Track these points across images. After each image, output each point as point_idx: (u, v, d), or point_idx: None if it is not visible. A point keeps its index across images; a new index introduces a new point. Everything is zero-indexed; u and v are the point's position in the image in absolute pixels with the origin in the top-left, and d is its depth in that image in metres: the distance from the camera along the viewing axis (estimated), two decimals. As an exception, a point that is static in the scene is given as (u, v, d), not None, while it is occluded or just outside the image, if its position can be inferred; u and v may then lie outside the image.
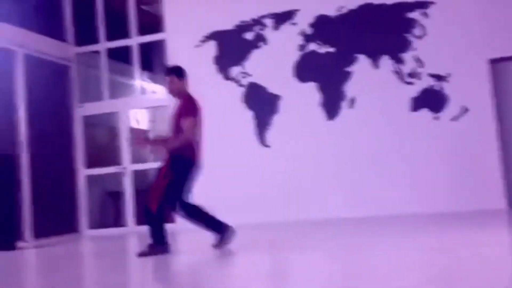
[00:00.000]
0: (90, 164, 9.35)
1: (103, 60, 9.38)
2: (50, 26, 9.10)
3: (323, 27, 8.18)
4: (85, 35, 9.48)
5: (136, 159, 9.33)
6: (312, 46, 8.21)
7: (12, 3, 8.31)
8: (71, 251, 6.82)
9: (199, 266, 4.43)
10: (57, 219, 8.72)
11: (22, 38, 8.32)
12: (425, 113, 7.62)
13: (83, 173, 9.30)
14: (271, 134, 8.25)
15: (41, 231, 8.18)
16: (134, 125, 10.05)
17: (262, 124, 8.31)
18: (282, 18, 8.36)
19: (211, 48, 8.67)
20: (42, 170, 8.35)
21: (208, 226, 5.00)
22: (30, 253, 6.64)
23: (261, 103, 8.32)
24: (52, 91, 8.98)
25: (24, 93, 8.27)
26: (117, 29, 9.43)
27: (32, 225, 8.08)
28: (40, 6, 8.92)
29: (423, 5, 7.72)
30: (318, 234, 6.09)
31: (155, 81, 10.63)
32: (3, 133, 7.46)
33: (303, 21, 8.22)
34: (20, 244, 7.31)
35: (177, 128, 5.03)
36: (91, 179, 9.36)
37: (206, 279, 3.76)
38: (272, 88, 8.31)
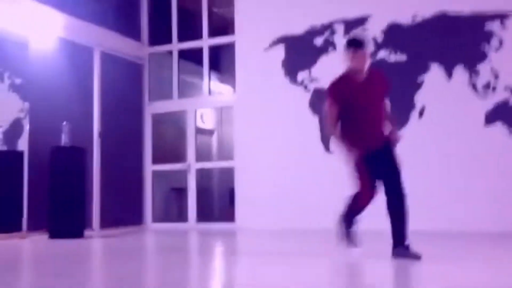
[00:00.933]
0: (157, 160, 9.64)
1: (175, 60, 9.65)
2: (126, 26, 9.47)
3: (395, 34, 8.05)
4: (159, 36, 9.80)
5: (200, 158, 9.54)
6: (382, 54, 8.11)
7: (92, 2, 8.71)
8: (136, 242, 7.06)
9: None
10: (123, 211, 9.06)
11: (100, 36, 8.71)
12: (499, 127, 7.34)
13: (149, 168, 9.60)
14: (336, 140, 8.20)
15: (107, 221, 8.54)
16: (200, 124, 10.28)
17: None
18: (353, 24, 8.29)
19: (280, 52, 8.73)
20: (111, 164, 8.70)
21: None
22: (98, 242, 6.92)
23: (327, 108, 8.28)
24: (124, 88, 9.33)
25: (99, 89, 8.66)
26: (189, 30, 9.68)
27: (99, 215, 8.45)
28: (118, 5, 9.30)
29: (502, 17, 7.45)
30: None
31: (222, 82, 10.82)
32: (78, 126, 7.81)
33: (375, 28, 8.13)
34: (87, 232, 7.64)
35: (379, 109, 4.54)
36: (157, 174, 9.66)
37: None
38: (339, 94, 8.25)
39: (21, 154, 7.55)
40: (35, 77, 7.70)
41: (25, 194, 7.40)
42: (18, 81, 8.42)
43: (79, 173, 7.41)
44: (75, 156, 7.40)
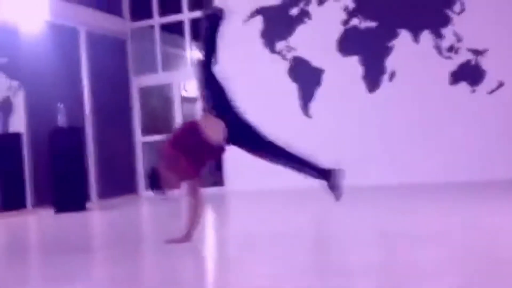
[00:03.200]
0: (146, 131, 10.15)
1: (157, 34, 10.03)
2: (108, 3, 9.77)
3: (365, 2, 8.53)
4: (140, 11, 10.13)
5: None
6: (355, 22, 8.60)
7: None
8: (137, 210, 7.65)
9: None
10: (118, 182, 9.61)
11: (84, 15, 9.03)
12: (463, 87, 7.99)
13: (140, 140, 10.11)
14: (314, 105, 8.78)
15: (104, 193, 9.10)
16: (184, 93, 10.73)
17: (305, 96, 8.84)
18: (326, -7, 8.74)
19: (258, 23, 9.16)
20: (104, 138, 9.20)
21: None
22: (103, 214, 7.50)
23: (305, 76, 8.82)
24: (110, 65, 9.71)
25: (87, 68, 9.05)
26: (170, 3, 10.01)
27: (96, 187, 9.00)
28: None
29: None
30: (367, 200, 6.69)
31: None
32: (71, 107, 8.25)
33: (346, -3, 8.60)
34: (88, 204, 8.20)
35: None
36: (147, 145, 10.18)
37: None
38: (316, 62, 8.79)
39: (19, 135, 8.01)
40: (25, 61, 8.06)
41: (27, 173, 7.90)
42: (3, 60, 8.77)
43: (77, 151, 7.91)
44: (73, 136, 7.88)
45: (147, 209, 8.25)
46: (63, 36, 8.72)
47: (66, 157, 7.69)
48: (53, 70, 8.43)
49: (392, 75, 8.36)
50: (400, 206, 5.97)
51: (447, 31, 8.08)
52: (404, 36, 8.31)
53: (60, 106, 7.87)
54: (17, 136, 8.01)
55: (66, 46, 8.79)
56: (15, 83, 8.58)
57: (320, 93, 8.76)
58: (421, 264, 3.12)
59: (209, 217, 6.14)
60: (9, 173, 7.94)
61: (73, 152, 7.81)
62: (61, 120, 7.84)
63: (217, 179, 9.86)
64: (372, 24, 8.52)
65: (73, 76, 8.87)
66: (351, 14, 8.61)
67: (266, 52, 9.11)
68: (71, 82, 8.80)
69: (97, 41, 9.33)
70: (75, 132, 7.97)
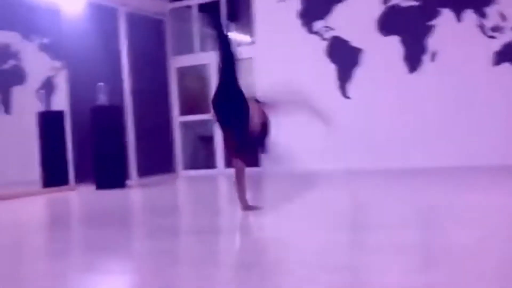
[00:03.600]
0: (184, 111, 10.26)
1: (195, 14, 10.07)
2: (147, -17, 9.84)
3: (406, -19, 8.35)
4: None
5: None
6: (395, 0, 8.43)
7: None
8: (175, 188, 7.79)
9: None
10: (156, 161, 9.78)
11: (123, -4, 9.14)
12: (506, 67, 7.76)
13: (178, 119, 10.24)
14: (353, 86, 8.70)
15: (143, 171, 9.27)
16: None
17: (343, 76, 8.76)
18: (366, -29, 8.58)
19: (295, 3, 9.08)
20: (143, 118, 9.35)
21: None
22: (143, 191, 7.67)
23: (344, 56, 8.73)
24: (149, 45, 9.82)
25: (126, 48, 9.18)
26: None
27: (136, 166, 9.18)
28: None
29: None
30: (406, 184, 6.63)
31: (240, 32, 11.20)
32: (111, 87, 8.40)
33: (387, -25, 8.42)
34: (127, 182, 8.39)
35: None
36: (185, 125, 10.30)
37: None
38: (355, 42, 8.67)
39: (61, 113, 8.21)
40: (67, 41, 8.23)
41: (69, 150, 8.12)
42: (46, 40, 8.99)
43: (117, 129, 8.08)
44: (113, 114, 8.04)
45: (185, 187, 8.39)
46: (103, 16, 8.85)
47: (106, 135, 7.87)
48: (93, 50, 8.59)
49: (433, 55, 8.19)
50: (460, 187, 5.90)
51: (490, 10, 7.84)
52: (446, 15, 8.11)
53: (101, 85, 8.02)
54: (60, 114, 8.22)
55: (106, 26, 8.93)
56: (57, 63, 8.78)
57: (359, 74, 8.66)
58: None
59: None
60: (52, 150, 8.18)
61: (113, 130, 7.98)
62: (102, 98, 8.00)
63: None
64: (413, 3, 8.33)
65: (113, 56, 9.02)
66: (392, -8, 8.44)
67: (304, 32, 9.04)
68: (111, 62, 8.94)
69: (136, 21, 9.44)
70: (115, 111, 8.14)
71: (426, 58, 8.24)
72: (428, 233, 3.63)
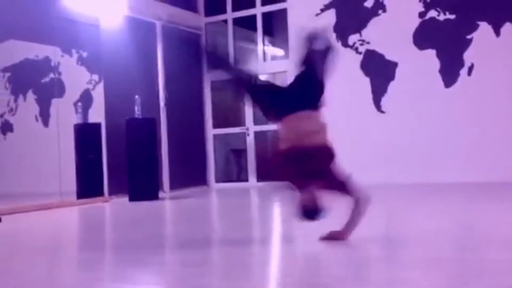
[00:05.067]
0: (217, 124, 10.32)
1: (230, 29, 10.16)
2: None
3: (443, -6, 8.24)
4: (214, 6, 10.30)
5: (257, 121, 10.13)
6: (432, 13, 8.32)
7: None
8: (208, 201, 7.82)
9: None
10: (189, 173, 9.84)
11: (160, 11, 9.30)
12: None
13: (211, 132, 10.30)
14: (387, 100, 8.59)
15: (176, 183, 9.34)
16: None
17: (378, 90, 8.66)
18: (402, -15, 8.51)
19: (331, 16, 9.06)
20: (177, 130, 9.45)
21: None
22: (175, 203, 7.72)
23: (378, 70, 8.64)
24: (184, 58, 9.94)
25: (162, 61, 9.32)
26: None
27: (169, 178, 9.25)
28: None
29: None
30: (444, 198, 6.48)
31: (275, 45, 11.25)
32: (147, 99, 8.53)
33: (423, -11, 8.33)
34: (160, 194, 8.45)
35: None
36: (218, 138, 10.35)
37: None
38: (389, 56, 8.58)
39: (98, 126, 8.37)
40: (105, 55, 8.40)
41: (105, 162, 8.25)
42: (85, 54, 9.22)
43: (151, 141, 8.17)
44: (148, 126, 8.15)
45: (217, 200, 8.40)
46: (141, 31, 9.02)
47: (141, 147, 7.96)
48: (130, 63, 8.74)
49: (470, 69, 8.02)
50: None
51: (531, 23, 7.65)
52: (484, 28, 7.95)
53: (137, 98, 8.15)
54: (96, 126, 8.38)
55: (144, 40, 9.09)
56: (95, 76, 9.00)
57: (394, 88, 8.55)
58: None
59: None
60: (88, 162, 8.33)
61: (147, 143, 8.07)
62: (137, 111, 8.11)
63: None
64: (450, 16, 8.21)
65: (149, 69, 9.16)
66: (428, 5, 8.33)
67: (338, 45, 8.99)
68: (148, 75, 9.08)
69: (172, 35, 9.58)
70: (150, 123, 8.24)
71: (463, 72, 8.09)
72: (464, 249, 3.52)
